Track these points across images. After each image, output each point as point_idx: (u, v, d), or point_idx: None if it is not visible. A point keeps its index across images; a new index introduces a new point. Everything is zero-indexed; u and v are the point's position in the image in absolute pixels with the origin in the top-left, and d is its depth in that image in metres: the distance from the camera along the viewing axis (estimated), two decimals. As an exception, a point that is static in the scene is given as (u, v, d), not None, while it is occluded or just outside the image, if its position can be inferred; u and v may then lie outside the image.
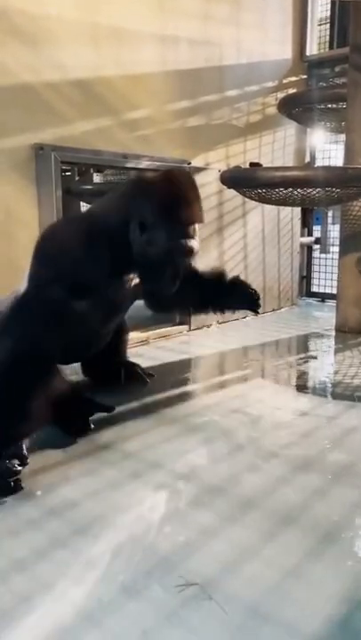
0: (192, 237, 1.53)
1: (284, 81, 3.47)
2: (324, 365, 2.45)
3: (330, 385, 2.13)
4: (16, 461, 1.32)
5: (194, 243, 1.53)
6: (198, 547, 1.08)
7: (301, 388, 2.11)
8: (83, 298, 1.50)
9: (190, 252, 1.54)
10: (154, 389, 2.01)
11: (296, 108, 3.19)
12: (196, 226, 1.55)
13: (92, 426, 1.63)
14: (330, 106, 3.01)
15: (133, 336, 2.51)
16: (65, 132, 2.31)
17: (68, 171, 4.25)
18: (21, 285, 1.52)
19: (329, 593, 0.95)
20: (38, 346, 1.38)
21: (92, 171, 4.39)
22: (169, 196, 1.49)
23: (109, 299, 1.64)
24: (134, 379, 2.04)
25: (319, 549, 1.07)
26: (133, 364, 2.10)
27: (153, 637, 0.86)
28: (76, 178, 4.58)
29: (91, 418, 1.64)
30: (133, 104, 2.58)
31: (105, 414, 1.70)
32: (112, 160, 2.54)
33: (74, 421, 1.61)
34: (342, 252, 2.92)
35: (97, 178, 4.49)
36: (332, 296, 3.68)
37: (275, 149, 3.45)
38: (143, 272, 1.60)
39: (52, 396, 1.38)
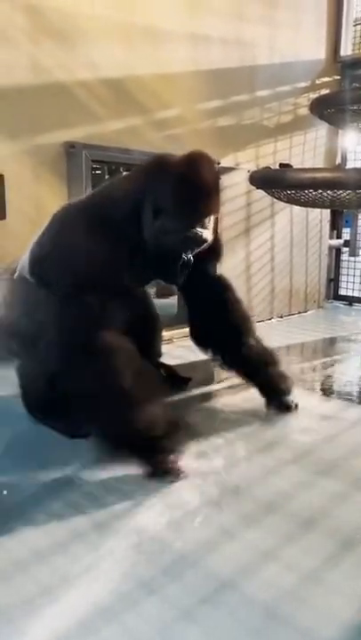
0: (207, 228, 1.47)
1: (317, 81, 3.44)
2: (350, 369, 2.41)
3: (355, 389, 2.10)
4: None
5: (207, 233, 1.48)
6: (217, 547, 1.08)
7: (326, 391, 2.08)
8: (112, 296, 1.44)
9: (203, 243, 1.48)
10: (173, 386, 2.01)
11: (328, 109, 3.15)
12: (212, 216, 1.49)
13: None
14: (363, 107, 2.96)
15: (158, 334, 2.51)
16: (96, 131, 2.33)
17: (98, 169, 4.28)
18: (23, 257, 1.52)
19: (347, 599, 0.94)
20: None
21: (121, 169, 4.41)
22: (189, 183, 1.39)
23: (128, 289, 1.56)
24: (174, 381, 2.02)
25: (339, 555, 1.06)
26: (170, 366, 2.08)
27: (169, 635, 0.86)
28: (106, 176, 4.61)
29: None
30: (164, 103, 2.59)
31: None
32: (142, 159, 2.54)
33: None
34: (371, 256, 2.88)
35: (126, 176, 4.52)
36: (360, 300, 3.63)
37: (305, 150, 3.42)
38: (152, 258, 1.51)
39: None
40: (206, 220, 1.47)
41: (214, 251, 1.70)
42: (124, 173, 1.64)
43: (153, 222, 1.42)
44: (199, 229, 1.46)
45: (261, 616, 0.90)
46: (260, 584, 0.97)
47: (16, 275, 1.54)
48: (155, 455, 1.35)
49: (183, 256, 1.48)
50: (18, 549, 1.07)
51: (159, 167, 1.47)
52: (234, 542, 1.10)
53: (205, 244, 1.51)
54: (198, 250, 1.52)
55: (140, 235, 1.46)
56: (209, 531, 1.13)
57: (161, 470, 1.34)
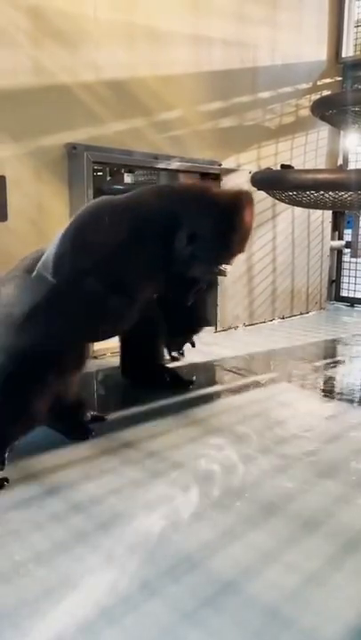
0: (230, 265, 1.56)
1: (319, 83, 3.44)
2: (352, 371, 2.41)
3: (357, 391, 2.10)
4: None
5: (229, 269, 1.58)
6: (219, 548, 1.08)
7: (328, 393, 2.08)
8: (120, 293, 1.46)
9: (224, 277, 1.61)
10: (177, 389, 2.01)
11: (330, 110, 3.14)
12: None
13: (93, 433, 1.60)
14: (365, 108, 2.96)
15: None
16: (98, 132, 2.34)
17: (99, 170, 4.29)
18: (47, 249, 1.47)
19: (350, 601, 0.94)
20: (74, 338, 1.39)
21: (123, 171, 4.42)
22: (233, 224, 1.46)
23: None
24: (178, 383, 2.04)
25: (341, 557, 1.06)
26: (172, 369, 2.10)
27: (171, 638, 0.86)
28: (108, 178, 4.62)
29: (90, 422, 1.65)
30: (166, 105, 2.59)
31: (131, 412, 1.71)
32: (143, 160, 2.55)
33: (73, 426, 1.59)
34: (373, 257, 2.88)
35: (128, 178, 4.52)
36: (361, 301, 3.63)
37: (307, 152, 3.42)
38: (171, 277, 1.56)
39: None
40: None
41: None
42: (146, 187, 1.65)
43: (185, 246, 1.46)
44: (227, 266, 1.55)
45: (264, 618, 0.90)
46: (262, 586, 0.97)
47: (34, 274, 1.49)
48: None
49: (201, 282, 1.57)
50: (18, 551, 1.07)
51: (202, 196, 1.52)
52: (236, 544, 1.10)
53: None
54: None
55: (165, 250, 1.49)
56: (210, 532, 1.13)
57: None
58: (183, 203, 1.49)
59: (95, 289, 1.39)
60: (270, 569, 1.02)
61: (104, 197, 1.60)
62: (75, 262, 1.41)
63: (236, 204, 1.49)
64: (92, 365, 2.20)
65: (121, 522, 1.17)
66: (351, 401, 1.98)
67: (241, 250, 1.54)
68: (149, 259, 1.47)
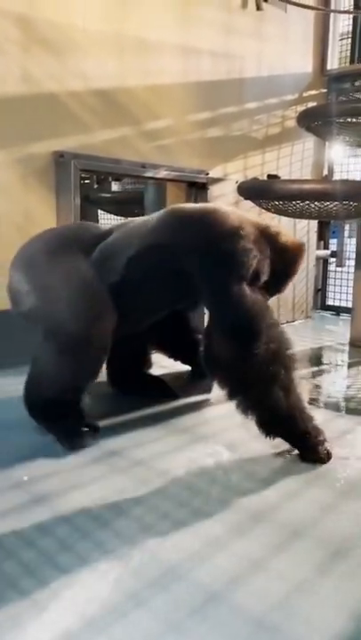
0: None
1: (304, 94, 3.49)
2: (338, 379, 2.43)
3: (343, 399, 2.11)
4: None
5: None
6: (206, 557, 1.07)
7: (314, 401, 2.09)
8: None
9: None
10: (164, 398, 2.01)
11: (315, 122, 3.18)
12: None
13: (92, 441, 1.60)
14: (349, 120, 3.00)
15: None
16: (85, 141, 2.34)
17: (87, 179, 4.29)
18: None
19: (337, 609, 0.94)
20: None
21: (110, 179, 4.42)
22: (296, 267, 1.86)
23: None
24: (164, 392, 2.03)
25: (328, 565, 1.06)
26: (160, 379, 2.10)
27: (158, 647, 0.85)
28: (95, 186, 4.62)
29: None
30: (154, 114, 2.61)
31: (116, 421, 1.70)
32: (131, 169, 2.56)
33: (69, 434, 1.59)
34: (358, 266, 2.91)
35: (115, 186, 4.53)
36: (347, 310, 3.66)
37: (293, 162, 3.46)
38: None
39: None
40: None
41: None
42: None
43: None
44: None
45: (251, 627, 0.89)
46: (249, 595, 0.97)
47: None
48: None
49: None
50: (2, 561, 1.06)
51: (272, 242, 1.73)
52: (222, 553, 1.09)
53: None
54: None
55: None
56: (197, 541, 1.13)
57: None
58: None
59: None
60: (257, 578, 1.02)
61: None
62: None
63: (300, 255, 1.81)
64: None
65: (107, 531, 1.16)
66: (337, 409, 1.99)
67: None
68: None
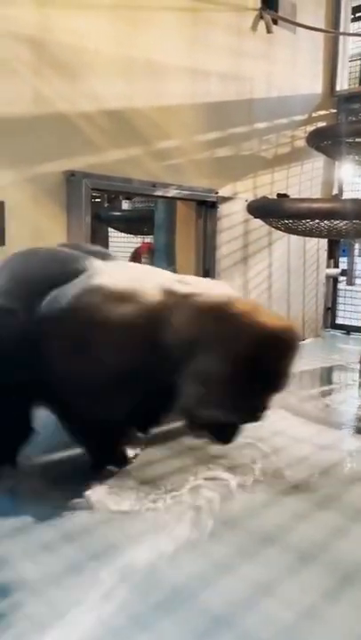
0: None
1: (314, 114, 3.51)
2: (348, 399, 2.40)
3: (353, 419, 2.08)
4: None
5: None
6: (212, 581, 1.05)
7: (324, 421, 2.07)
8: None
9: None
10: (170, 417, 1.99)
11: (325, 141, 3.21)
12: None
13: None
14: (359, 140, 3.02)
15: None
16: (96, 160, 2.37)
17: (97, 197, 4.34)
18: None
19: (345, 636, 0.91)
20: None
21: (121, 198, 4.47)
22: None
23: None
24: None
25: (338, 590, 1.03)
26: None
27: (162, 673, 0.83)
28: (106, 204, 4.67)
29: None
30: (164, 134, 2.64)
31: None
32: (141, 188, 2.59)
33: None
34: (369, 285, 2.89)
35: (126, 205, 4.58)
36: (357, 329, 3.63)
37: (302, 181, 3.47)
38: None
39: None
40: None
41: None
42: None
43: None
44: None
45: (258, 654, 0.87)
46: (256, 620, 0.95)
47: None
48: None
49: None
50: (9, 582, 1.04)
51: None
52: (229, 576, 1.07)
53: None
54: None
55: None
56: (203, 564, 1.11)
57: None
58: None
59: None
60: (265, 602, 0.99)
61: None
62: None
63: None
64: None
65: (113, 551, 1.14)
66: (347, 429, 1.97)
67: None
68: None
